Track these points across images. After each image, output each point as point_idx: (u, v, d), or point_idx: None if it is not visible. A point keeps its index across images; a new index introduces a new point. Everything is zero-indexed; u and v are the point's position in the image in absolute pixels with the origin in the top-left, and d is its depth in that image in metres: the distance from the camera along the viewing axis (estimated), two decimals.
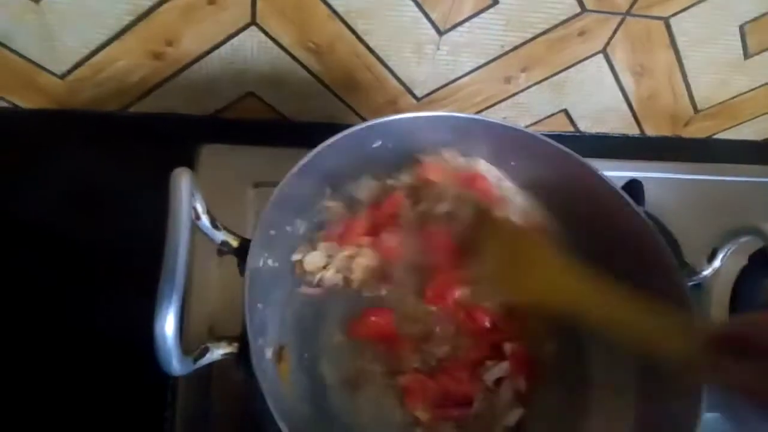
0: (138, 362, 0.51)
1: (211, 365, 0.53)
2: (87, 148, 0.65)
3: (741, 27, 0.71)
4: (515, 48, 0.69)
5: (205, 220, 0.41)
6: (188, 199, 0.37)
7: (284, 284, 0.51)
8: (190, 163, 0.65)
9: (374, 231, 0.55)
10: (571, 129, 0.82)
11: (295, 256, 0.52)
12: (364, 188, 0.57)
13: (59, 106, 0.67)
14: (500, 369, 0.50)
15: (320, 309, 0.53)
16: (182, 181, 0.37)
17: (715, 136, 0.87)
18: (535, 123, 0.79)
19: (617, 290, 0.42)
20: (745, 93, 0.80)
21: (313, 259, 0.53)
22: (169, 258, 0.34)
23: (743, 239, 0.51)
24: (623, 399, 0.50)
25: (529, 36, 0.68)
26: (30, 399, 0.51)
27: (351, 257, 0.54)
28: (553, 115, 0.79)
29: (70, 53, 0.62)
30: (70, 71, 0.64)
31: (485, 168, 0.56)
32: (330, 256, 0.54)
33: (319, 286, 0.53)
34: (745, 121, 0.85)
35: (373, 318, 0.52)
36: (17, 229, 0.59)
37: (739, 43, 0.73)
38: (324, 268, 0.53)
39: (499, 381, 0.51)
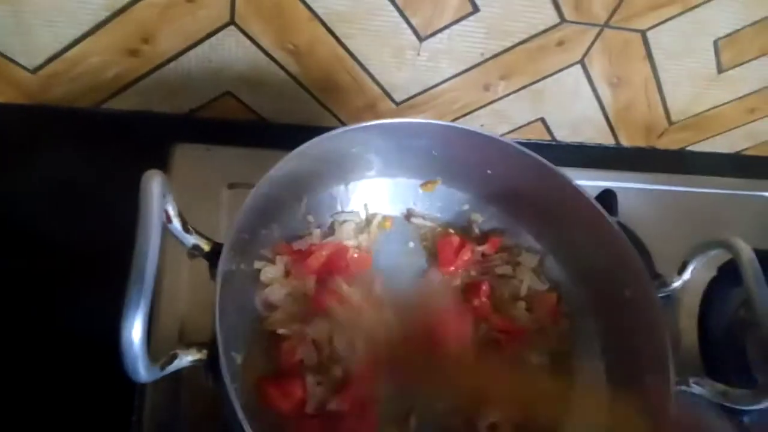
0: (106, 365, 0.51)
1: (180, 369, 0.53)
2: (58, 144, 0.64)
3: (715, 42, 0.72)
4: (495, 56, 0.69)
5: (176, 223, 0.40)
6: (159, 202, 0.36)
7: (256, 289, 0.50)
8: (163, 162, 0.64)
9: (323, 272, 0.53)
10: (548, 138, 0.82)
11: (258, 264, 0.51)
12: (350, 222, 0.56)
13: (30, 101, 0.65)
14: None
15: None
16: (153, 183, 0.36)
17: (689, 148, 0.88)
18: (513, 131, 0.80)
19: None
20: (718, 106, 0.82)
21: (269, 271, 0.52)
22: (137, 262, 0.33)
23: (713, 252, 0.51)
24: None
25: (509, 45, 0.68)
26: None
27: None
28: (530, 123, 0.79)
29: (42, 47, 0.61)
30: (42, 66, 0.62)
31: None
32: (288, 272, 0.52)
33: (265, 300, 0.51)
34: (717, 134, 0.86)
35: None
36: None
37: (713, 58, 0.74)
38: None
39: None
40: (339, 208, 0.57)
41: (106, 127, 0.68)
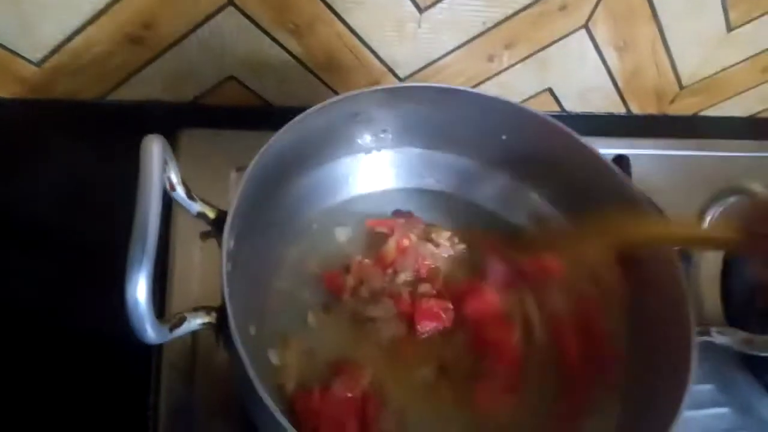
0: (121, 351, 0.51)
1: (195, 350, 0.53)
2: (64, 137, 0.64)
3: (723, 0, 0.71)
4: (497, 24, 0.68)
5: (180, 190, 0.40)
6: (159, 165, 0.36)
7: (264, 257, 0.50)
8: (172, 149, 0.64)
9: None
10: (557, 108, 0.81)
11: None
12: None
13: (36, 95, 0.66)
14: None
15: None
16: (153, 147, 0.36)
17: (702, 113, 0.86)
18: (520, 103, 0.79)
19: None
20: (730, 67, 0.80)
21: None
22: (139, 222, 0.33)
23: (731, 200, 0.50)
24: None
25: (511, 12, 0.67)
26: (13, 391, 0.50)
27: None
28: (537, 94, 0.78)
29: (45, 39, 0.61)
30: (46, 58, 0.63)
31: None
32: None
33: None
34: (730, 97, 0.85)
35: None
36: None
37: (722, 17, 0.73)
38: None
39: None
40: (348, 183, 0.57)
41: (113, 117, 0.68)
